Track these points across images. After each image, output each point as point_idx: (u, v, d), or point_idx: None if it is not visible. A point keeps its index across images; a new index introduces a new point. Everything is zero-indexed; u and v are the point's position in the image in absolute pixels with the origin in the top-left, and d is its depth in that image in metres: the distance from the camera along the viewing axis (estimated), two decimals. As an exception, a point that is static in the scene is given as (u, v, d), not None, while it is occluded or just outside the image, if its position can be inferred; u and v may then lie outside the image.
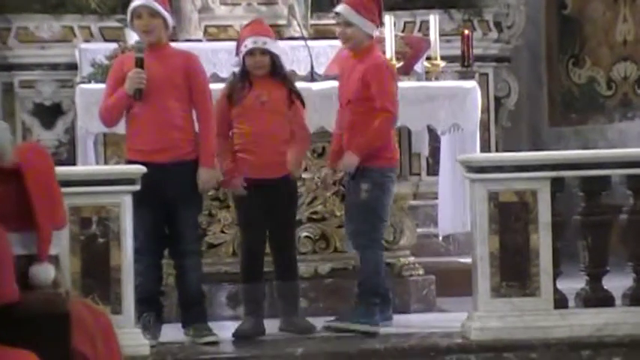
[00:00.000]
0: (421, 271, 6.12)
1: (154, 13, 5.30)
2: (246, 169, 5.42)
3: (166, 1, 5.52)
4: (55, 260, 2.62)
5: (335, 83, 6.15)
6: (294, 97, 5.45)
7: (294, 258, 5.55)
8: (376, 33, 5.64)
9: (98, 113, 5.38)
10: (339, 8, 5.52)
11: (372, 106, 5.40)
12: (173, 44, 5.66)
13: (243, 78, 5.45)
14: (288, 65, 6.04)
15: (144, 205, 5.14)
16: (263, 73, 5.43)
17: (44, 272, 2.47)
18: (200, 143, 5.31)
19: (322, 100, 5.90)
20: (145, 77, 5.21)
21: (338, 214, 6.10)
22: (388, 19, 6.34)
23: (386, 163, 5.46)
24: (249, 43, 5.40)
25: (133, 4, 5.35)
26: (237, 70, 5.62)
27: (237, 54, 5.53)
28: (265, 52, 5.40)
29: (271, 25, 6.01)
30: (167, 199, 5.25)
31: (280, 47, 5.55)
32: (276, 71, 5.45)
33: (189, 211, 5.33)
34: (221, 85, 5.71)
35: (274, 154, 5.41)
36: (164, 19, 5.34)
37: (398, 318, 5.68)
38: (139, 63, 5.23)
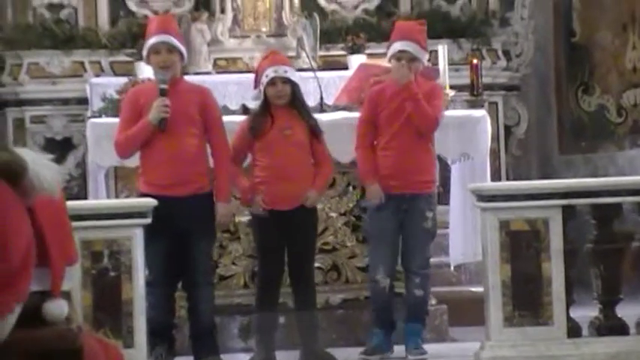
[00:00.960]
0: (433, 301, 6.10)
1: (172, 49, 5.34)
2: (268, 200, 5.41)
3: (181, 35, 5.56)
4: (67, 296, 2.63)
5: (345, 114, 6.18)
6: (316, 131, 5.46)
7: (313, 288, 5.54)
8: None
9: (115, 144, 5.37)
10: (405, 46, 5.58)
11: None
12: (186, 78, 5.69)
13: (265, 110, 5.46)
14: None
15: (157, 238, 5.15)
16: (284, 103, 5.44)
17: (58, 308, 2.47)
18: (216, 178, 5.33)
19: (332, 131, 5.90)
20: (170, 107, 5.23)
21: (349, 244, 6.10)
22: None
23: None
24: (270, 73, 5.41)
25: (151, 41, 5.37)
26: (250, 101, 5.63)
27: (255, 86, 5.53)
28: (286, 80, 5.42)
29: (280, 57, 6.03)
30: (181, 232, 5.26)
31: (298, 77, 5.58)
32: (296, 101, 5.46)
33: (203, 243, 5.34)
34: (232, 118, 5.73)
35: (297, 187, 5.40)
36: (180, 54, 5.38)
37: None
38: (163, 93, 5.26)
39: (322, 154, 5.48)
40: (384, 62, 7.05)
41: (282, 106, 5.43)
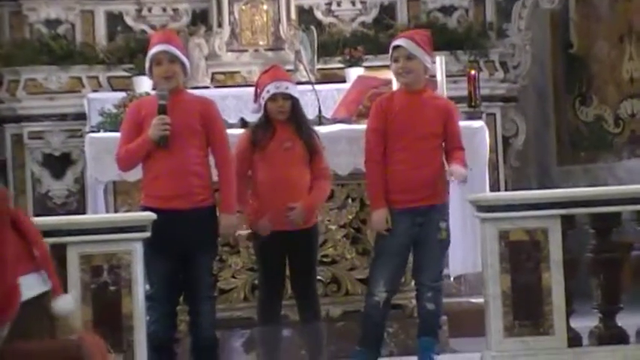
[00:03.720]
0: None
1: (174, 59, 5.32)
2: (269, 217, 5.38)
3: (183, 47, 5.55)
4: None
5: (343, 126, 6.18)
6: (313, 148, 5.43)
7: (317, 301, 5.52)
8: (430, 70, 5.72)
9: (116, 157, 5.35)
10: (400, 41, 5.52)
11: (438, 143, 5.44)
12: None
13: (266, 123, 5.45)
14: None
15: (159, 252, 5.14)
16: (284, 118, 5.44)
17: (67, 303, 2.47)
18: (220, 190, 5.31)
19: (330, 143, 5.91)
20: (170, 124, 5.21)
21: (348, 256, 6.09)
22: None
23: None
24: (271, 89, 5.41)
25: (152, 51, 5.36)
26: (248, 114, 5.63)
27: (255, 100, 5.53)
28: (287, 96, 5.43)
29: (278, 71, 6.04)
30: (183, 246, 5.24)
31: (298, 92, 5.57)
32: (296, 116, 5.46)
33: (205, 257, 5.32)
34: (231, 131, 5.72)
35: (294, 200, 5.37)
36: (183, 65, 5.37)
37: (410, 359, 5.65)
38: (162, 110, 5.23)
39: (319, 170, 5.45)
40: (381, 75, 7.08)
41: (282, 120, 5.44)
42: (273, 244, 5.37)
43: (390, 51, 5.57)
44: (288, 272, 5.45)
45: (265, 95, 5.41)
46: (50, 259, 2.65)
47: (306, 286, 5.46)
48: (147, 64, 5.41)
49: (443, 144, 5.47)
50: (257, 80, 5.67)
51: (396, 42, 5.56)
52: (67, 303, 2.29)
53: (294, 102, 5.44)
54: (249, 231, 5.54)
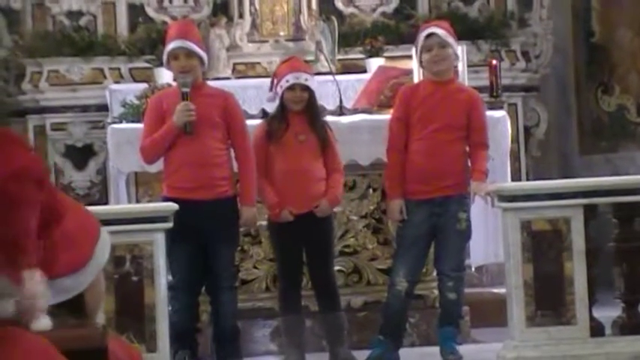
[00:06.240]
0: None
1: (191, 54, 5.34)
2: (285, 204, 5.41)
3: (201, 40, 5.57)
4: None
5: (364, 116, 6.18)
6: (325, 141, 5.44)
7: (335, 290, 5.54)
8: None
9: (140, 149, 5.38)
10: (434, 29, 5.51)
11: (460, 135, 5.40)
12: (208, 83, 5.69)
13: (281, 114, 5.47)
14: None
15: (180, 243, 5.17)
16: (300, 108, 5.45)
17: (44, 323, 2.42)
18: (240, 182, 5.34)
19: (351, 133, 5.91)
20: (194, 110, 5.23)
21: (370, 247, 6.09)
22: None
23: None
24: (291, 79, 5.42)
25: (169, 46, 5.38)
26: (269, 105, 5.65)
27: (271, 89, 5.55)
28: (305, 88, 5.44)
29: (298, 62, 6.04)
30: (205, 236, 5.27)
31: (316, 84, 5.58)
32: (312, 108, 5.46)
33: (227, 247, 5.35)
34: (251, 122, 5.74)
35: (310, 190, 5.39)
36: (200, 59, 5.38)
37: (432, 350, 5.65)
38: (185, 97, 5.26)
39: (332, 163, 5.46)
40: (402, 65, 7.06)
41: (297, 111, 5.45)
42: (289, 234, 5.39)
43: (421, 40, 5.52)
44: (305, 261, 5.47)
45: (284, 84, 5.43)
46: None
47: (324, 276, 5.48)
48: (164, 58, 5.44)
49: (465, 135, 5.46)
50: (275, 69, 5.68)
51: (429, 30, 5.52)
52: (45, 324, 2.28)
53: (311, 94, 5.45)
54: (268, 222, 5.56)
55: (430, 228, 5.44)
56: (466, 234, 5.50)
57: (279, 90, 5.45)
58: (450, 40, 5.49)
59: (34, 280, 2.22)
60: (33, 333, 2.20)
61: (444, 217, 5.42)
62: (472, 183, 5.40)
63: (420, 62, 5.63)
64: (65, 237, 2.33)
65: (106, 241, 2.52)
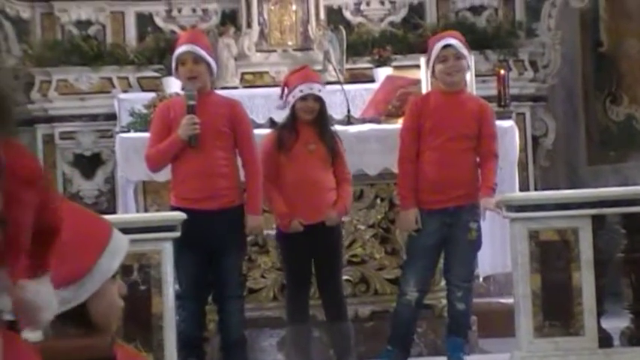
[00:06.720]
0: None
1: (199, 60, 5.33)
2: (295, 214, 5.41)
3: (210, 47, 5.56)
4: None
5: (372, 126, 6.18)
6: (334, 152, 5.44)
7: (342, 300, 5.53)
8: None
9: (145, 158, 5.38)
10: (450, 41, 5.52)
11: (471, 145, 5.41)
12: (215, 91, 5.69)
13: (291, 124, 5.47)
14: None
15: (188, 252, 5.17)
16: (310, 118, 5.45)
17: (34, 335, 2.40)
18: (247, 191, 5.33)
19: (359, 143, 5.92)
20: (199, 123, 5.22)
21: (377, 256, 6.09)
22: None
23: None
24: (305, 89, 5.42)
25: (177, 51, 5.38)
26: (276, 114, 5.65)
27: (281, 97, 5.54)
28: (317, 98, 5.44)
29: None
30: (212, 246, 5.26)
31: (327, 95, 5.59)
32: (322, 118, 5.47)
33: (234, 257, 5.34)
34: (259, 131, 5.74)
35: (316, 202, 5.39)
36: (208, 66, 5.37)
37: (440, 359, 5.64)
38: (191, 110, 5.25)
39: (341, 173, 5.47)
40: (410, 74, 7.07)
41: (307, 121, 5.45)
42: (299, 244, 5.39)
43: (437, 50, 5.53)
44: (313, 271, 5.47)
45: (297, 94, 5.42)
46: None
47: (332, 285, 5.47)
48: (172, 64, 5.43)
49: (476, 145, 5.47)
50: (286, 78, 5.68)
51: (446, 41, 5.53)
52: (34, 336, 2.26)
53: (322, 104, 5.46)
54: (276, 231, 5.56)
55: (441, 238, 5.44)
56: (476, 244, 5.49)
57: (291, 100, 5.45)
58: (465, 52, 5.52)
59: (35, 290, 2.19)
60: (25, 341, 2.18)
61: (456, 227, 5.41)
62: (481, 199, 5.40)
63: (433, 72, 5.62)
64: (62, 247, 2.29)
65: (117, 248, 2.48)
